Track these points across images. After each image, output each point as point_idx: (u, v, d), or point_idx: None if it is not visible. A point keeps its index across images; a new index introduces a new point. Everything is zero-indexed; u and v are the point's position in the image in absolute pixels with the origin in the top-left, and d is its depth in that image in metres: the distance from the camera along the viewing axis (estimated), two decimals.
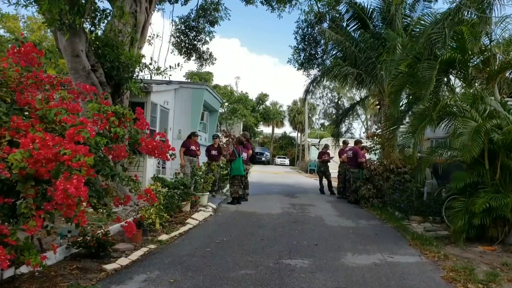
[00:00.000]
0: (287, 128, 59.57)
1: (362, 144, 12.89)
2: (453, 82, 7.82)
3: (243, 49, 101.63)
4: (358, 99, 29.76)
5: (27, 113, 3.87)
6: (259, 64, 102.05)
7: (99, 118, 3.84)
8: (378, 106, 15.93)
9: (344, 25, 14.74)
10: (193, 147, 11.00)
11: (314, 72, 16.68)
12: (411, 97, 7.43)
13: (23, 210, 3.34)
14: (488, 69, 7.12)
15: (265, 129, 58.73)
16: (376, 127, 44.00)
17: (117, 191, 6.21)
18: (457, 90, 7.94)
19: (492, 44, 7.45)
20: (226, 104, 39.96)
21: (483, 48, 7.35)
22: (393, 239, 7.14)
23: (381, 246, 6.55)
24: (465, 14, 6.61)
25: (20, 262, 3.80)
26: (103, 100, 4.10)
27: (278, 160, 49.10)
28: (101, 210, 4.08)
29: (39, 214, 3.45)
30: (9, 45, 3.97)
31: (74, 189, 3.14)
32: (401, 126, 8.71)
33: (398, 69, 7.33)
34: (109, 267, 4.75)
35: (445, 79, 7.46)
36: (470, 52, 6.82)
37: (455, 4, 7.12)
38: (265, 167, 37.17)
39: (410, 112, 7.91)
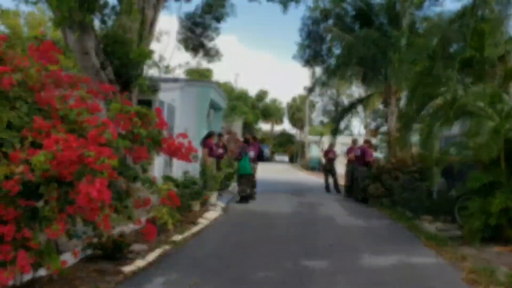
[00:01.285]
0: (286, 125, 59.57)
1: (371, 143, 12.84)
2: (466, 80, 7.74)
3: (241, 46, 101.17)
4: (357, 96, 29.69)
5: (45, 113, 3.76)
6: (257, 61, 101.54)
7: (121, 119, 3.74)
8: (383, 104, 15.88)
9: (349, 21, 14.61)
10: (213, 148, 10.94)
11: (319, 69, 16.59)
12: (424, 95, 7.35)
13: (46, 213, 3.25)
14: (503, 67, 7.04)
15: (264, 126, 58.76)
16: (375, 124, 44.00)
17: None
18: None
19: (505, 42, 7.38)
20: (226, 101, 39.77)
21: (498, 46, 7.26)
22: (407, 239, 7.09)
23: (396, 246, 6.49)
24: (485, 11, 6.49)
25: (38, 265, 3.71)
26: (125, 100, 4.00)
27: (277, 157, 49.05)
28: (122, 213, 3.98)
29: (61, 217, 3.37)
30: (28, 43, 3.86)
31: (97, 192, 3.05)
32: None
33: (414, 68, 7.26)
34: (127, 269, 4.67)
35: (460, 77, 7.38)
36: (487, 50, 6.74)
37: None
38: (265, 164, 37.01)
39: (423, 111, 7.82)
